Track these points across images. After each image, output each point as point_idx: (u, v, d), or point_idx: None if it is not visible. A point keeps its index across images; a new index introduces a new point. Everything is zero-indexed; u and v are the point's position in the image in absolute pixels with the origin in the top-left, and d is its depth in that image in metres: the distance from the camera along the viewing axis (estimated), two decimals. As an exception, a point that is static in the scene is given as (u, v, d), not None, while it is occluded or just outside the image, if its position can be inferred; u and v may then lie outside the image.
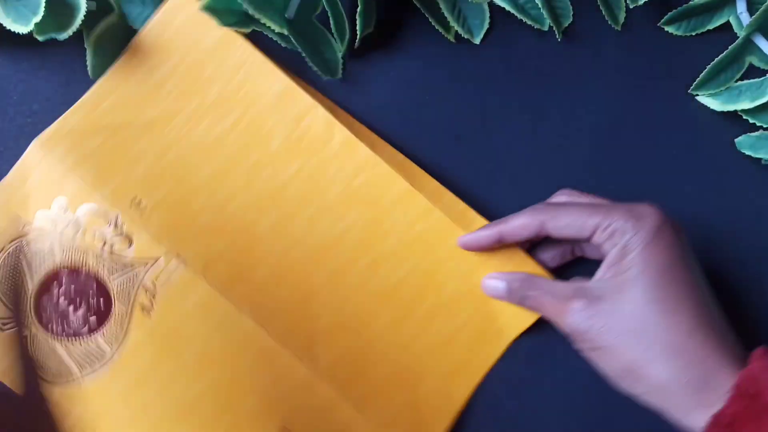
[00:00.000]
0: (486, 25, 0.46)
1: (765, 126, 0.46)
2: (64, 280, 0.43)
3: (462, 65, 0.47)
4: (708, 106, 0.47)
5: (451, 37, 0.47)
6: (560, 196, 0.43)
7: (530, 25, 0.46)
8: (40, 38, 0.42)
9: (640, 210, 0.39)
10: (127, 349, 0.44)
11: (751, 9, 0.46)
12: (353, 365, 0.44)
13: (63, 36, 0.42)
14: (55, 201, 0.44)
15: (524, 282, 0.42)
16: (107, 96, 0.44)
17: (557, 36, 0.47)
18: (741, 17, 0.46)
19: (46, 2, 0.41)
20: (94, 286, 0.43)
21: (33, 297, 0.43)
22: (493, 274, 0.44)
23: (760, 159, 0.46)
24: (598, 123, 0.47)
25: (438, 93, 0.47)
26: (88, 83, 0.45)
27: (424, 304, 0.45)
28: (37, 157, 0.44)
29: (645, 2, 0.45)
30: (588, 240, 0.40)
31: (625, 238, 0.39)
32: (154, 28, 0.44)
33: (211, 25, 0.44)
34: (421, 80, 0.47)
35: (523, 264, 0.44)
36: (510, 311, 0.44)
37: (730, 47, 0.45)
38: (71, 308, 0.44)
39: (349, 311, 0.44)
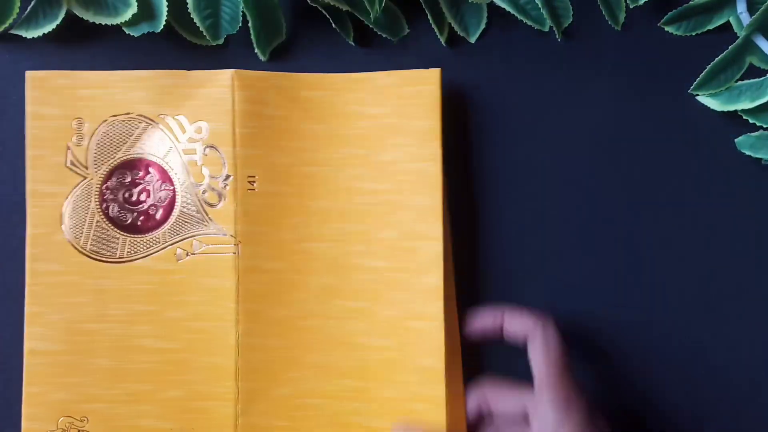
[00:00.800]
0: (483, 25, 0.46)
1: (765, 126, 0.46)
2: (151, 171, 0.45)
3: (460, 65, 0.47)
4: (708, 106, 0.47)
5: (443, 39, 0.47)
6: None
7: (530, 25, 0.46)
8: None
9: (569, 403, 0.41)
10: (131, 267, 0.45)
11: (751, 9, 0.46)
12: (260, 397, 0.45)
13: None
14: (203, 122, 0.45)
15: None
16: (326, 88, 0.45)
17: (557, 36, 0.47)
18: (741, 17, 0.46)
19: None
20: (166, 200, 0.45)
21: (119, 161, 0.45)
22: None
23: (760, 159, 0.47)
24: (598, 123, 0.47)
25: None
26: None
27: None
28: (229, 82, 0.45)
29: (645, 2, 0.45)
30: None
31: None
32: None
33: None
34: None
35: None
36: None
37: (730, 47, 0.45)
38: (137, 195, 0.45)
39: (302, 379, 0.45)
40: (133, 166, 0.45)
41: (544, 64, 0.47)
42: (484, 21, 0.46)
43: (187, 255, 0.45)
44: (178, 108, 0.45)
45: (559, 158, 0.47)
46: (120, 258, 0.45)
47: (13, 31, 0.45)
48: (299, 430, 0.45)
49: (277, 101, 0.45)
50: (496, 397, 0.44)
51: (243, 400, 0.45)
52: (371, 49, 0.47)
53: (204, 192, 0.45)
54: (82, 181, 0.45)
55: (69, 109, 0.45)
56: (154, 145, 0.45)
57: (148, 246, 0.45)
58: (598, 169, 0.47)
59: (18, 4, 0.44)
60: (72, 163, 0.45)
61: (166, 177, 0.45)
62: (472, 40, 0.47)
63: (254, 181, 0.45)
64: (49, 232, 0.45)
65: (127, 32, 0.45)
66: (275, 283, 0.45)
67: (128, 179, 0.45)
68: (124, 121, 0.45)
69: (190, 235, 0.45)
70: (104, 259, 0.45)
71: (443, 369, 0.44)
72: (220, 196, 0.45)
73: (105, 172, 0.45)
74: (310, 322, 0.45)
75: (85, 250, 0.45)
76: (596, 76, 0.47)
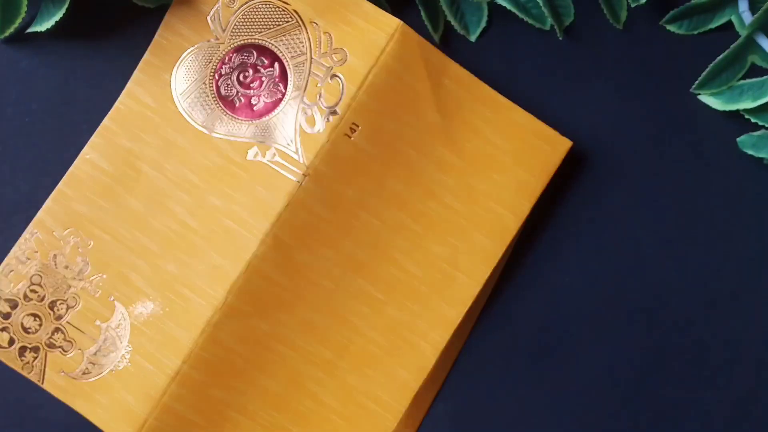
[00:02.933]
0: (483, 24, 0.46)
1: (767, 125, 0.46)
2: (274, 66, 0.45)
3: (461, 64, 0.47)
4: (710, 105, 0.47)
5: (437, 37, 0.46)
6: None
7: (531, 24, 0.46)
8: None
9: None
10: (206, 138, 0.45)
11: (753, 8, 0.46)
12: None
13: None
14: (347, 50, 0.45)
15: None
16: (468, 89, 0.46)
17: (559, 35, 0.46)
18: (743, 16, 0.46)
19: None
20: (272, 99, 0.45)
21: (254, 42, 0.45)
22: None
23: (762, 158, 0.46)
24: (599, 122, 0.47)
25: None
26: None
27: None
28: (392, 30, 0.45)
29: (646, 1, 0.45)
30: None
31: None
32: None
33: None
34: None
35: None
36: None
37: (731, 46, 0.45)
38: (250, 80, 0.45)
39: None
40: (262, 52, 0.45)
41: (545, 63, 0.47)
42: (485, 20, 0.46)
43: (257, 157, 0.45)
44: (332, 25, 0.45)
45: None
46: (202, 125, 0.45)
47: (29, 30, 0.45)
48: (251, 367, 0.45)
49: (418, 72, 0.45)
50: None
51: (222, 312, 0.45)
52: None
53: (307, 113, 0.45)
54: (213, 40, 0.45)
55: None
56: (291, 45, 0.45)
57: (231, 128, 0.45)
58: (598, 169, 0.47)
59: (25, 3, 0.44)
60: (213, 19, 0.45)
61: (284, 79, 0.45)
62: (473, 38, 0.47)
63: (355, 130, 0.44)
64: (161, 68, 0.45)
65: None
66: (314, 229, 0.45)
67: (251, 61, 0.45)
68: (279, 8, 0.45)
69: (271, 141, 0.45)
70: (191, 118, 0.45)
71: (416, 389, 0.45)
72: (318, 124, 0.45)
73: (236, 45, 0.45)
74: (323, 281, 0.45)
75: (180, 102, 0.45)
76: (597, 75, 0.47)
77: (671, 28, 0.47)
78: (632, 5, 0.46)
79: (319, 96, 0.45)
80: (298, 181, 0.45)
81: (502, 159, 0.45)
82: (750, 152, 0.46)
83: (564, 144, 0.45)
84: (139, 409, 0.45)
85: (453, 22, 0.46)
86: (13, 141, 0.46)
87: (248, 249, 0.45)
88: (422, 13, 0.46)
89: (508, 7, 0.46)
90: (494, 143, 0.45)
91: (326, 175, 0.45)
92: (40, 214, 0.45)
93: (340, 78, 0.44)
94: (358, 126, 0.45)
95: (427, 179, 0.45)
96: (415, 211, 0.45)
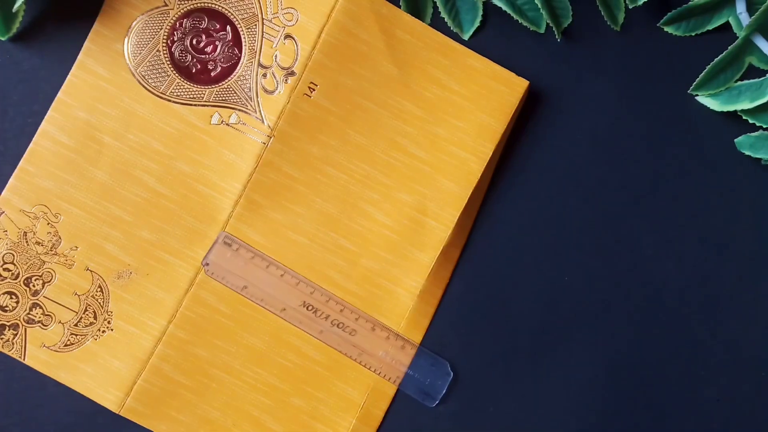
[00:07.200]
0: (477, 23, 0.46)
1: (765, 126, 0.46)
2: (227, 30, 0.45)
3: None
4: (708, 106, 0.47)
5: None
6: None
7: (527, 26, 0.46)
8: None
9: None
10: (167, 106, 0.46)
11: (750, 9, 0.46)
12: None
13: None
14: (297, 10, 0.46)
15: None
16: (421, 39, 0.46)
17: (557, 36, 0.47)
18: (740, 17, 0.46)
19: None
20: (228, 63, 0.45)
21: (203, 5, 0.45)
22: None
23: (759, 159, 0.47)
24: (598, 124, 0.47)
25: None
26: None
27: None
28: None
29: (644, 3, 0.45)
30: None
31: None
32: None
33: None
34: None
35: None
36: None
37: (729, 47, 0.45)
38: (204, 45, 0.45)
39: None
40: (213, 15, 0.46)
41: (543, 65, 0.47)
42: (479, 18, 0.46)
43: (222, 123, 0.46)
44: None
45: (559, 158, 0.47)
46: (162, 93, 0.46)
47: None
48: (234, 325, 0.46)
49: (370, 26, 0.46)
50: None
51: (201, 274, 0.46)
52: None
53: (265, 75, 0.46)
54: (162, 7, 0.45)
55: None
56: (242, 7, 0.46)
57: (191, 95, 0.46)
58: (597, 169, 0.47)
59: (23, 9, 0.45)
60: None
61: (238, 42, 0.46)
62: (466, 37, 0.47)
63: (314, 89, 0.46)
64: (112, 39, 0.45)
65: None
66: (285, 188, 0.46)
67: (203, 26, 0.46)
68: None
69: (233, 106, 0.46)
70: (148, 87, 0.45)
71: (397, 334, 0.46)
72: (277, 86, 0.46)
73: (185, 10, 0.45)
74: (298, 237, 0.46)
75: (135, 70, 0.45)
76: (596, 76, 0.47)
77: (669, 29, 0.47)
78: (630, 7, 0.46)
79: (275, 58, 0.46)
80: (263, 143, 0.46)
81: (461, 104, 0.46)
82: (747, 153, 0.46)
83: (521, 84, 0.46)
84: (127, 372, 0.46)
85: (446, 19, 0.46)
86: (15, 142, 0.46)
87: (223, 211, 0.46)
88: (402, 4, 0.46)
89: (504, 8, 0.46)
90: (451, 89, 0.46)
91: (291, 135, 0.46)
92: (4, 193, 0.45)
93: (293, 38, 0.45)
94: (316, 85, 0.46)
95: (389, 130, 0.46)
96: (380, 162, 0.46)
